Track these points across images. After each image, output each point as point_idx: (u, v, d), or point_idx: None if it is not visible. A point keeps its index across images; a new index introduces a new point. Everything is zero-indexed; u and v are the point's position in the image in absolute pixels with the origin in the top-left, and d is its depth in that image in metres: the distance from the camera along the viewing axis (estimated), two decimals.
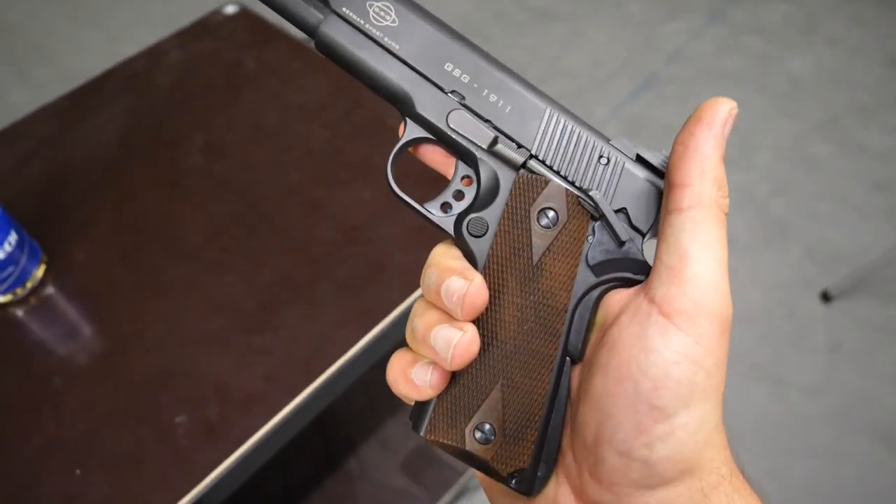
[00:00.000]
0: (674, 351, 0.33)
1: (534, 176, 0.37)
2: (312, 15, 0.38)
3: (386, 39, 0.37)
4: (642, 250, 0.37)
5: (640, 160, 0.38)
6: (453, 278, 0.35)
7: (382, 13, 0.38)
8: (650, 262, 0.36)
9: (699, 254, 0.33)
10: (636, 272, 0.37)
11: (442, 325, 0.35)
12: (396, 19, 0.38)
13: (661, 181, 0.37)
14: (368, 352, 0.70)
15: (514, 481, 0.36)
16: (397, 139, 0.38)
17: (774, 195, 1.93)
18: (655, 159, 0.38)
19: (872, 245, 1.78)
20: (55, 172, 0.88)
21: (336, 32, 0.38)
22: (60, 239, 0.80)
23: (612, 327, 0.35)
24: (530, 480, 0.36)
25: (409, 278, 0.75)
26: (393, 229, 0.79)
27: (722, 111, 0.34)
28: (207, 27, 1.04)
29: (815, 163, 1.99)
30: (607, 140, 0.38)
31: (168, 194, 0.84)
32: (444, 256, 0.37)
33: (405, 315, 0.72)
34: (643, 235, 0.37)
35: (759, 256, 1.82)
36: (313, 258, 0.78)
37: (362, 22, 0.37)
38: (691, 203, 0.34)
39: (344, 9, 0.38)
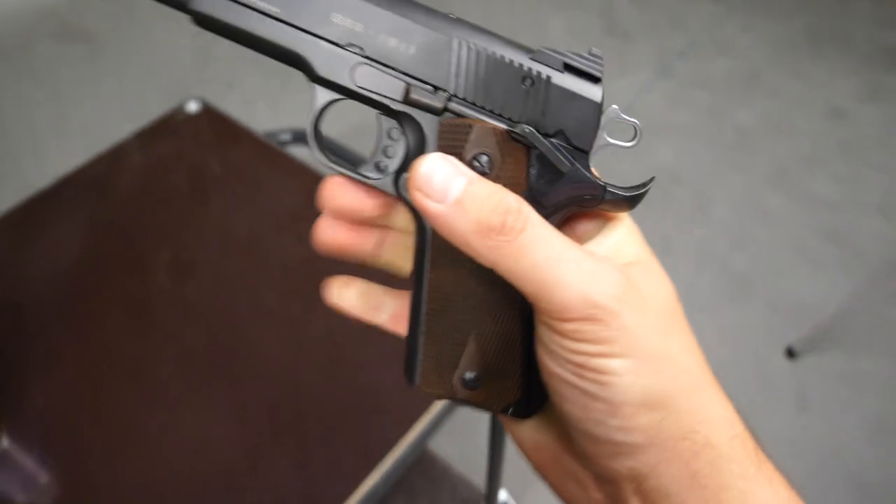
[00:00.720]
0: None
1: (457, 120, 0.34)
2: None
3: (262, 4, 0.34)
4: (588, 168, 0.35)
5: (569, 69, 0.35)
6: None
7: None
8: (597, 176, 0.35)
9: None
10: (587, 193, 0.35)
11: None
12: None
13: (597, 88, 0.35)
14: (369, 499, 0.65)
15: (510, 411, 0.38)
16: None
17: (734, 249, 1.96)
18: (588, 64, 0.35)
19: (830, 296, 1.82)
20: (8, 298, 0.81)
21: (208, 6, 0.34)
22: (16, 380, 0.73)
23: None
24: (525, 406, 0.38)
25: (406, 404, 0.72)
26: (383, 349, 0.75)
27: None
28: (170, 127, 1.00)
29: (769, 215, 2.04)
30: (529, 53, 0.35)
31: (135, 324, 0.78)
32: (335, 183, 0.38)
33: (407, 453, 0.68)
34: (586, 153, 0.35)
35: (724, 312, 1.84)
36: (298, 389, 0.73)
37: None
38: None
39: None
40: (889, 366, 1.73)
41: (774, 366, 1.74)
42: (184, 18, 0.36)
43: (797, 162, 2.18)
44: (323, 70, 0.35)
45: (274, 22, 0.34)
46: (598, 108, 0.35)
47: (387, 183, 0.36)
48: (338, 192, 0.38)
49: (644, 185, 0.36)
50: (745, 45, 2.55)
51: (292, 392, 0.73)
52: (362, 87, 0.35)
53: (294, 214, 0.87)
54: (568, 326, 0.30)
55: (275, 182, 0.91)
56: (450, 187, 0.31)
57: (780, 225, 2.02)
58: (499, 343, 0.37)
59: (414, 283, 0.37)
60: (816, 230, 2.00)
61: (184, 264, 0.82)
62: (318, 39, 0.35)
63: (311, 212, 0.88)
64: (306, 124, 0.37)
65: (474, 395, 0.37)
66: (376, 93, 0.35)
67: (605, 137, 0.36)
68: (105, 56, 2.54)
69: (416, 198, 0.31)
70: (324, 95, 0.36)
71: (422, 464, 0.85)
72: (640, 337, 0.30)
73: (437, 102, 0.34)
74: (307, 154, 1.19)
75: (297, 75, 0.37)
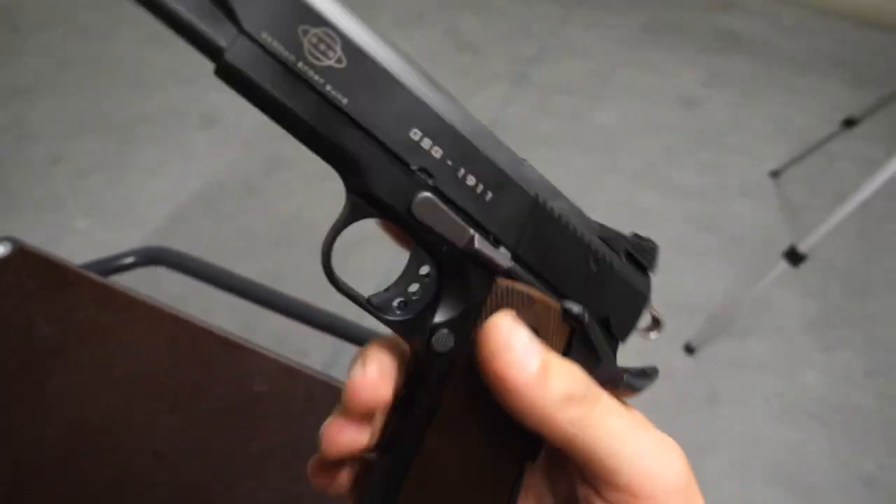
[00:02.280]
0: None
1: (517, 289, 0.30)
2: (214, 35, 0.24)
3: (328, 88, 0.25)
4: (615, 357, 0.34)
5: (629, 258, 0.33)
6: (354, 365, 0.31)
7: (323, 46, 0.25)
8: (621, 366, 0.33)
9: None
10: (609, 380, 0.32)
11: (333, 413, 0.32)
12: (344, 57, 0.25)
13: (647, 280, 0.34)
14: None
15: None
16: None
17: None
18: (646, 256, 0.34)
19: (716, 285, 1.88)
20: None
21: (250, 66, 0.25)
22: None
23: None
24: None
25: None
26: None
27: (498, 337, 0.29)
28: None
29: (647, 213, 2.08)
30: (598, 230, 0.32)
31: None
32: (372, 346, 0.32)
33: None
34: (619, 342, 0.34)
35: None
36: None
37: (293, 59, 0.25)
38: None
39: (264, 34, 0.24)
40: (778, 344, 1.81)
41: (677, 364, 1.77)
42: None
43: (661, 155, 2.24)
44: (377, 187, 0.27)
45: (336, 113, 0.26)
46: (645, 302, 0.34)
47: (402, 326, 0.30)
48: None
49: (649, 374, 0.34)
50: (591, 43, 2.60)
51: None
52: (419, 221, 0.28)
53: (156, 376, 0.72)
54: (615, 496, 0.29)
55: (126, 336, 0.75)
56: (530, 356, 0.28)
57: (658, 222, 2.06)
58: None
59: (389, 450, 0.32)
60: (691, 221, 2.07)
61: (24, 473, 0.65)
62: (384, 150, 0.27)
63: (176, 369, 0.74)
64: (322, 244, 0.29)
65: None
66: (433, 230, 0.28)
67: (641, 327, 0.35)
68: None
69: (493, 366, 0.28)
70: (358, 211, 0.28)
71: None
72: None
73: (503, 262, 0.29)
74: (154, 282, 1.02)
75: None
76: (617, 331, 0.33)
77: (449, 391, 0.31)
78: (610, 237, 0.33)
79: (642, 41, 2.61)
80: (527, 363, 0.28)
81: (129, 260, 0.87)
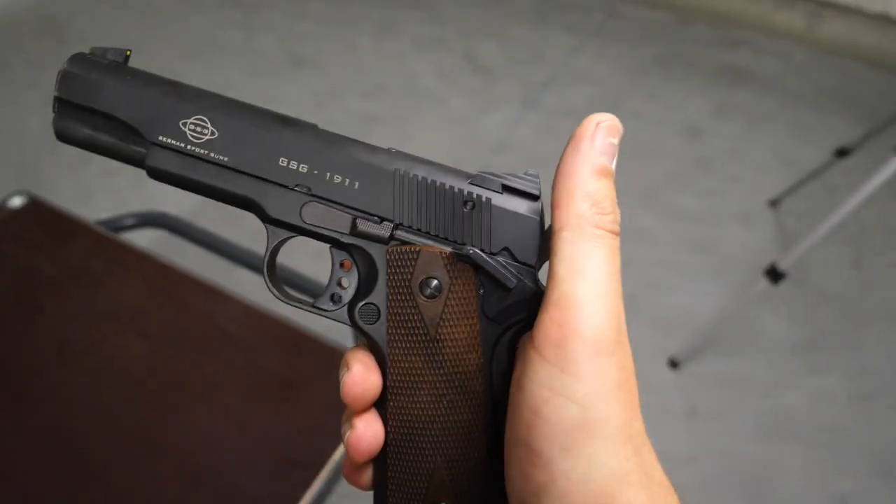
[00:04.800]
0: (540, 385, 0.30)
1: (403, 247, 0.36)
2: (135, 151, 0.37)
3: (212, 155, 0.36)
4: (537, 282, 0.36)
5: (507, 189, 0.36)
6: (341, 371, 0.35)
7: (199, 129, 0.36)
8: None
9: (566, 274, 0.31)
10: (535, 305, 0.35)
11: (343, 422, 0.36)
12: (215, 130, 0.36)
13: (536, 204, 0.36)
14: None
15: None
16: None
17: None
18: (524, 184, 0.36)
19: (704, 304, 1.92)
20: None
21: (162, 162, 0.37)
22: None
23: (514, 373, 0.34)
24: None
25: (274, 498, 0.67)
26: (240, 456, 0.70)
27: (586, 127, 0.33)
28: None
29: (642, 233, 2.13)
30: (468, 178, 0.36)
31: None
32: (349, 352, 0.37)
33: None
34: (532, 267, 0.36)
35: None
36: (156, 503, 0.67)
37: (182, 145, 0.36)
38: (560, 224, 0.32)
39: (160, 137, 0.36)
40: (763, 365, 1.83)
41: (659, 378, 1.80)
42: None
43: (663, 180, 2.30)
44: (273, 212, 0.36)
45: (224, 171, 0.36)
46: (537, 224, 0.36)
47: (342, 314, 0.37)
48: (360, 388, 0.35)
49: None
50: (601, 73, 2.69)
51: None
52: (311, 224, 0.36)
53: (134, 310, 0.82)
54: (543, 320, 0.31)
55: (111, 277, 0.85)
56: (606, 153, 0.34)
57: (656, 242, 2.11)
58: (466, 469, 0.36)
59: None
60: (687, 244, 2.12)
61: (11, 384, 0.75)
62: (266, 183, 0.36)
63: (153, 303, 0.83)
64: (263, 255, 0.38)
65: None
66: (325, 227, 0.36)
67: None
68: None
69: (577, 135, 0.33)
70: (275, 234, 0.37)
71: None
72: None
73: (384, 232, 0.36)
74: (154, 238, 1.13)
75: None
76: (522, 257, 0.36)
77: (390, 356, 0.36)
78: (483, 180, 0.36)
79: (652, 72, 2.70)
80: (599, 152, 0.33)
81: (131, 221, 0.97)
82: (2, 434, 0.71)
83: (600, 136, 0.33)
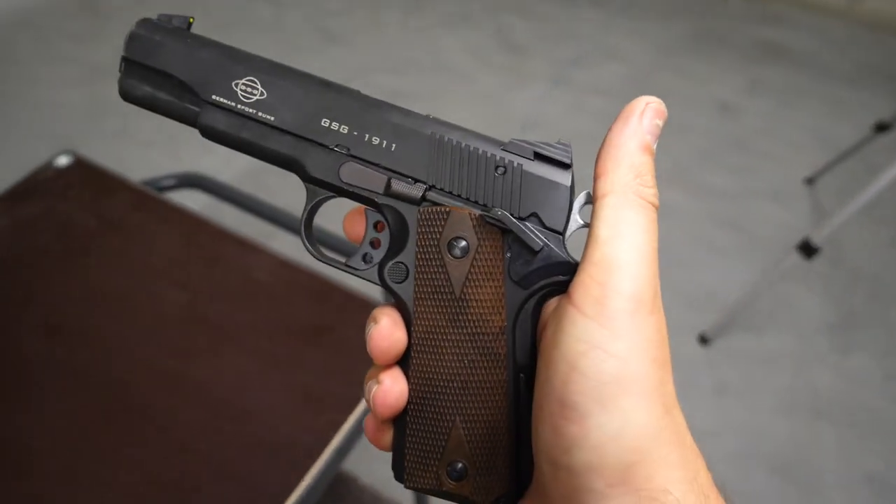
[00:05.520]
0: (578, 339, 0.31)
1: (434, 208, 0.37)
2: (189, 110, 0.40)
3: (259, 114, 0.39)
4: (565, 249, 0.36)
5: (539, 157, 0.37)
6: (368, 325, 0.37)
7: (249, 89, 0.39)
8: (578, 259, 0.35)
9: (609, 236, 0.32)
10: (563, 273, 0.36)
11: (368, 378, 0.37)
12: (264, 91, 0.39)
13: (568, 172, 0.37)
14: None
15: None
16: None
17: None
18: (556, 152, 0.37)
19: (734, 281, 1.90)
20: None
21: (213, 120, 0.39)
22: None
23: (543, 333, 0.35)
24: (513, 498, 0.36)
25: (300, 452, 0.69)
26: (273, 398, 0.72)
27: (636, 105, 0.35)
28: (38, 185, 0.94)
29: (671, 210, 2.12)
30: (501, 145, 0.37)
31: (2, 395, 0.73)
32: (378, 308, 0.38)
33: (309, 492, 0.66)
34: (561, 234, 0.37)
35: None
36: (183, 445, 0.70)
37: (233, 104, 0.39)
38: (605, 190, 0.34)
39: (213, 96, 0.39)
40: (793, 341, 1.81)
41: (689, 353, 1.79)
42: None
43: (693, 157, 2.27)
44: (314, 170, 0.38)
45: (270, 129, 0.39)
46: (567, 191, 0.36)
47: (372, 273, 0.39)
48: (386, 340, 0.37)
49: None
50: (630, 49, 2.66)
51: (177, 451, 0.69)
52: (348, 183, 0.38)
53: (170, 260, 0.84)
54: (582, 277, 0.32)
55: (150, 230, 0.87)
56: (648, 133, 0.35)
57: (682, 218, 2.10)
58: (484, 430, 0.36)
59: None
60: (716, 220, 2.09)
61: (52, 326, 0.78)
62: (308, 143, 0.38)
63: (188, 254, 0.86)
64: (299, 217, 0.41)
65: (460, 487, 0.36)
66: (361, 187, 0.38)
67: (578, 219, 0.37)
68: None
69: (625, 112, 0.35)
70: (314, 193, 0.39)
71: (336, 491, 0.83)
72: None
73: (416, 192, 0.37)
74: (192, 198, 1.15)
75: None
76: (551, 223, 0.36)
77: (415, 313, 0.37)
78: (515, 147, 0.37)
79: (683, 48, 2.66)
80: (646, 130, 0.35)
81: (171, 182, 1.00)
82: (48, 373, 0.74)
83: (648, 115, 0.35)
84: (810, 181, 2.19)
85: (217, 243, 0.86)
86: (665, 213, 2.14)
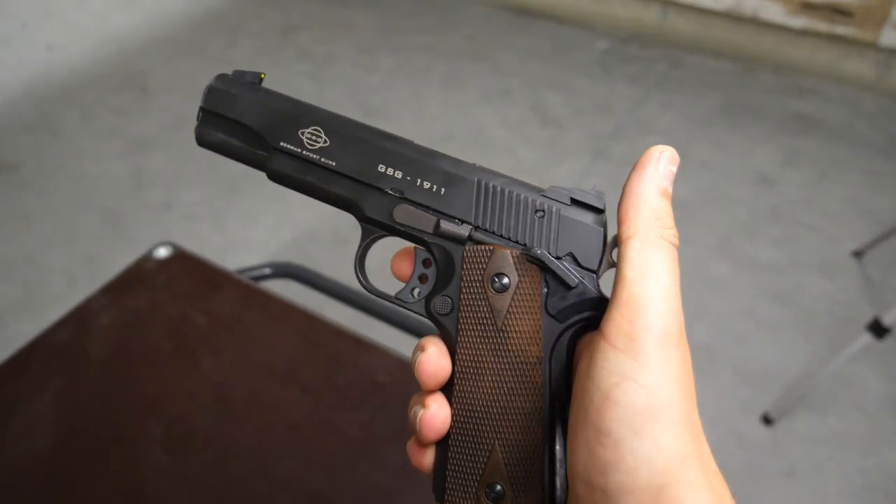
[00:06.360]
0: (611, 372, 0.33)
1: (479, 246, 0.40)
2: (259, 155, 0.44)
3: (322, 160, 0.42)
4: (598, 287, 0.39)
5: (575, 203, 0.40)
6: (415, 353, 0.40)
7: (314, 137, 0.42)
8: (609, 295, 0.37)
9: (635, 276, 0.35)
10: (596, 308, 0.39)
11: (414, 404, 0.40)
12: (327, 139, 0.42)
13: (601, 217, 0.40)
14: None
15: None
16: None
17: (692, 321, 2.00)
18: (591, 198, 0.40)
19: (790, 358, 1.87)
20: None
21: (281, 165, 0.43)
22: None
23: (577, 367, 0.37)
24: None
25: None
26: None
27: (652, 154, 0.38)
28: (139, 277, 0.94)
29: (719, 283, 2.11)
30: (540, 192, 0.40)
31: None
32: (424, 338, 0.41)
33: None
34: (595, 273, 0.39)
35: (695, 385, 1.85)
36: None
37: (299, 150, 0.43)
38: (629, 234, 0.36)
39: (282, 143, 0.43)
40: (859, 421, 1.77)
41: (754, 435, 1.75)
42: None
43: (736, 229, 2.28)
44: (370, 211, 0.42)
45: (331, 174, 0.42)
46: (600, 233, 0.40)
47: (420, 305, 0.42)
48: (433, 367, 0.40)
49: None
50: (666, 123, 2.71)
51: None
52: (401, 224, 0.41)
53: (292, 363, 0.82)
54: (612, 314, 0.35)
55: (265, 329, 0.86)
56: (664, 179, 0.39)
57: (731, 292, 2.08)
58: (522, 454, 0.38)
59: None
60: (765, 294, 2.08)
61: (179, 435, 0.76)
62: (366, 186, 0.42)
63: (310, 358, 0.84)
64: (353, 264, 0.45)
65: None
66: (412, 227, 0.41)
67: (613, 258, 0.39)
68: (32, 188, 2.43)
69: (642, 160, 0.39)
70: (368, 232, 0.43)
71: None
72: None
73: (463, 232, 0.40)
74: (291, 290, 1.14)
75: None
76: (586, 263, 0.40)
77: (459, 343, 0.40)
78: (554, 192, 0.40)
79: (717, 121, 2.70)
80: (662, 176, 0.38)
81: (266, 271, 0.99)
82: (164, 475, 0.72)
83: (663, 162, 0.38)
84: (858, 254, 2.18)
85: (333, 345, 0.84)
86: (712, 286, 2.14)
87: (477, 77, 2.95)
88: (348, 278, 1.16)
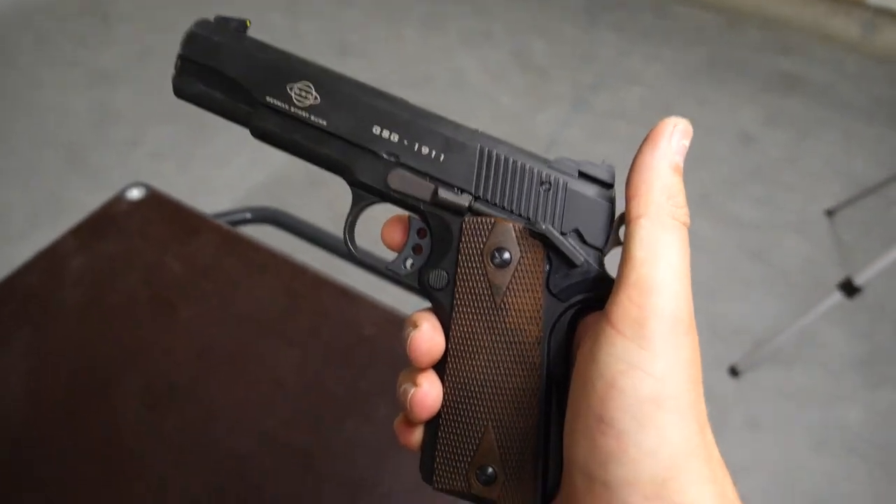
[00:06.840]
0: (618, 359, 0.31)
1: (479, 218, 0.38)
2: (242, 109, 0.40)
3: (312, 118, 0.39)
4: (602, 266, 0.38)
5: (583, 176, 0.38)
6: (407, 328, 0.37)
7: (304, 93, 0.39)
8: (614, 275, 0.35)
9: (645, 258, 0.33)
10: (600, 288, 0.37)
11: (404, 381, 0.38)
12: (318, 96, 0.39)
13: (610, 192, 0.38)
14: None
15: None
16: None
17: None
18: (600, 172, 0.38)
19: (762, 313, 1.90)
20: None
21: (266, 122, 0.39)
22: None
23: (578, 350, 0.36)
24: None
25: None
26: (404, 468, 0.68)
27: (664, 126, 0.35)
28: (111, 219, 0.88)
29: (700, 239, 2.11)
30: (547, 162, 0.38)
31: (106, 470, 0.67)
32: (416, 313, 0.39)
33: None
34: (600, 251, 0.37)
35: None
36: None
37: (287, 107, 0.39)
38: (639, 212, 0.34)
39: (268, 98, 0.39)
40: (825, 378, 1.82)
41: (720, 387, 1.79)
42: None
43: (717, 186, 2.28)
44: (362, 175, 0.39)
45: (321, 134, 0.39)
46: (609, 210, 0.38)
47: (413, 277, 0.39)
48: (427, 343, 0.37)
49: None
50: (651, 75, 2.66)
51: None
52: (395, 190, 0.38)
53: (278, 314, 0.79)
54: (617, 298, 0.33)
55: (246, 278, 0.82)
56: (677, 153, 0.36)
57: (710, 249, 2.09)
58: (516, 437, 0.37)
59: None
60: (742, 251, 2.10)
61: (159, 390, 0.72)
62: (359, 149, 0.39)
63: (297, 308, 0.80)
64: (342, 227, 0.42)
65: (489, 491, 0.37)
66: (408, 194, 0.38)
67: (620, 237, 0.37)
68: None
69: (652, 134, 0.36)
70: (360, 197, 0.40)
71: None
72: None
73: (462, 202, 0.38)
74: (267, 235, 1.10)
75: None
76: (591, 240, 0.38)
77: (454, 319, 0.38)
78: (561, 164, 0.38)
79: (702, 77, 2.67)
80: (675, 151, 0.35)
81: (247, 216, 0.95)
82: (144, 431, 0.69)
83: (676, 136, 0.35)
84: (830, 213, 2.21)
85: (319, 297, 0.81)
86: (693, 243, 2.13)
87: (458, 18, 2.85)
88: (324, 223, 1.12)
